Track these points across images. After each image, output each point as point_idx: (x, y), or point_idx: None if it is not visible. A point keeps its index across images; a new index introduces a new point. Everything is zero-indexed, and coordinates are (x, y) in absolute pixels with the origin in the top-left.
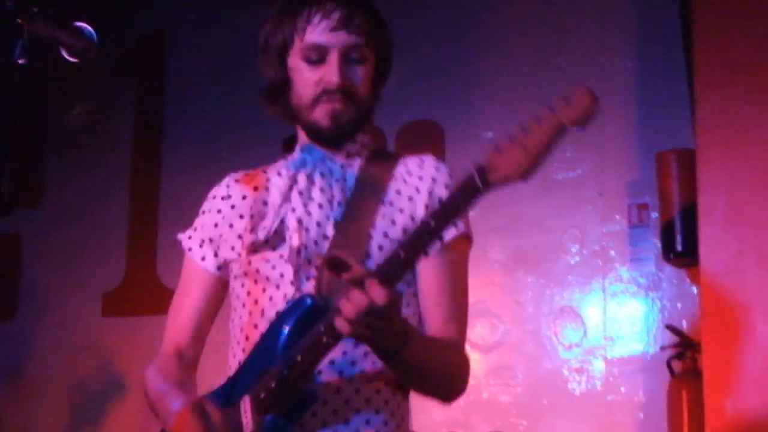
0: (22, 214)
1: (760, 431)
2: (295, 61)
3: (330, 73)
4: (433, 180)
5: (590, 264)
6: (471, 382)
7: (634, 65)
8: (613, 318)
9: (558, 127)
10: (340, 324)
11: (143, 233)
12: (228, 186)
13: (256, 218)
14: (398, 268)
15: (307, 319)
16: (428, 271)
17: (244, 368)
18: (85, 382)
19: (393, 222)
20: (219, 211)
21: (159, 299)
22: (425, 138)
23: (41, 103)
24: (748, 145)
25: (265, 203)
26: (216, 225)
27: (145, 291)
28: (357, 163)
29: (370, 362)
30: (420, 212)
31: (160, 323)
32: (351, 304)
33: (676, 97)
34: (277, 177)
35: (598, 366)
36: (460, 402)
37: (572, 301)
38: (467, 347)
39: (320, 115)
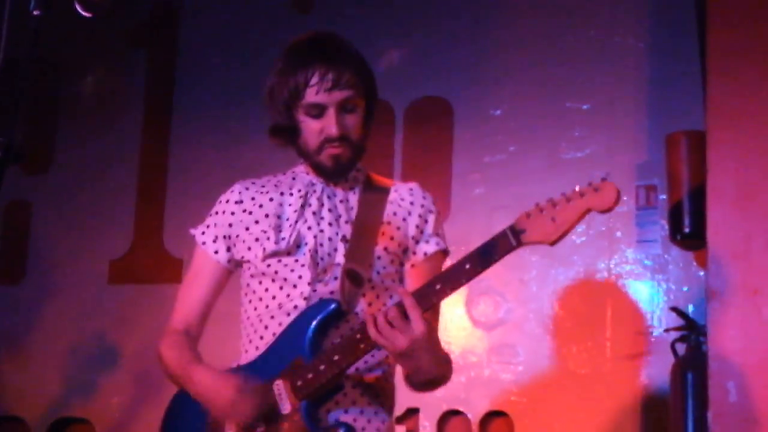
0: (33, 180)
1: (764, 415)
2: (300, 114)
3: (329, 126)
4: (422, 206)
5: (596, 244)
6: (473, 359)
7: (646, 45)
8: (618, 299)
9: (584, 210)
10: (386, 345)
11: (151, 203)
12: (240, 192)
13: (275, 229)
14: (434, 297)
15: (330, 320)
16: (413, 276)
17: (269, 354)
18: (87, 348)
19: (391, 238)
20: (233, 214)
21: (165, 268)
22: (434, 114)
23: (53, 71)
24: (759, 127)
25: (279, 217)
26: (230, 225)
27: (151, 259)
28: (357, 188)
29: (371, 358)
30: (412, 231)
31: (164, 291)
32: (403, 336)
33: (687, 78)
34: (290, 196)
35: (601, 346)
36: (462, 378)
37: (577, 281)
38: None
39: (324, 158)
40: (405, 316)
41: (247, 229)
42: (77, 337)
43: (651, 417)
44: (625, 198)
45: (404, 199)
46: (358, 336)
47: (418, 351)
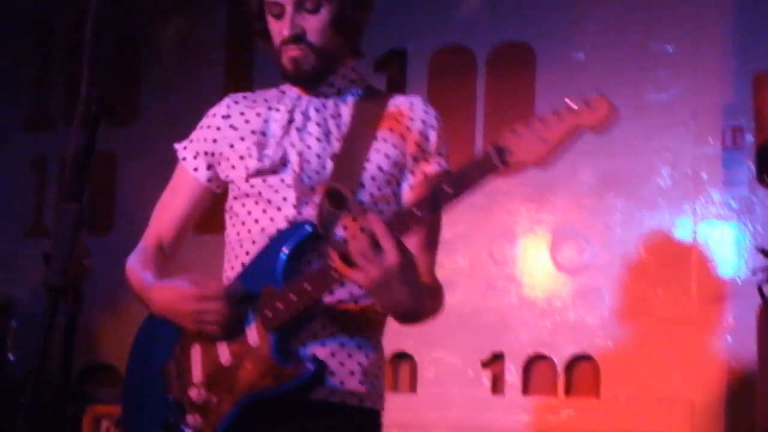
0: (118, 132)
1: None
2: (267, 15)
3: (283, 26)
4: (423, 122)
5: (681, 187)
6: (557, 303)
7: None
8: (704, 242)
9: (575, 127)
10: (356, 278)
11: None
12: (228, 106)
13: (258, 146)
14: (411, 222)
15: (305, 245)
16: (412, 200)
17: (243, 280)
18: None
19: (386, 156)
20: (218, 129)
21: None
22: (516, 60)
23: (135, 22)
24: None
25: (264, 134)
26: (215, 141)
27: None
28: (350, 100)
29: (356, 286)
30: (411, 149)
31: None
32: (375, 268)
33: None
34: (276, 112)
35: (687, 290)
36: (547, 323)
37: (662, 225)
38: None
39: (285, 61)
40: (377, 245)
41: (232, 146)
42: None
43: (737, 360)
44: (710, 139)
45: (403, 113)
46: (332, 264)
47: (393, 283)
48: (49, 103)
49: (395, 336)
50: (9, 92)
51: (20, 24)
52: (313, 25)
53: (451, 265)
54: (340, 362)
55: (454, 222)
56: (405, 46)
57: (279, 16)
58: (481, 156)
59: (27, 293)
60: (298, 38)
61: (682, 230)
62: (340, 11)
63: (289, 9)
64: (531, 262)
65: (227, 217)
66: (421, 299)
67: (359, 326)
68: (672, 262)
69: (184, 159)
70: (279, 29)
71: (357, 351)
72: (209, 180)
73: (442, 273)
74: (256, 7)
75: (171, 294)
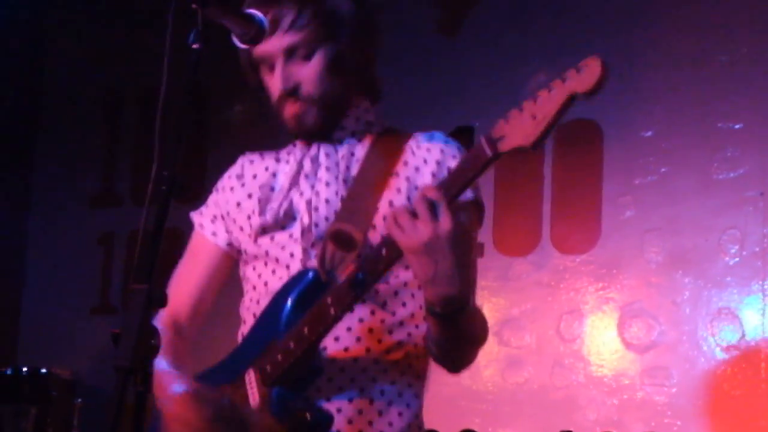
0: (185, 208)
1: None
2: (261, 70)
3: (275, 81)
4: (442, 151)
5: (750, 265)
6: (625, 381)
7: None
8: None
9: (567, 96)
10: (403, 238)
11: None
12: (242, 166)
13: (263, 201)
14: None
15: (310, 292)
16: None
17: (247, 342)
18: None
19: (398, 190)
20: (231, 189)
21: None
22: (584, 137)
23: (204, 100)
24: None
25: (272, 188)
26: (228, 202)
27: None
28: (366, 140)
29: (375, 340)
30: (426, 180)
31: None
32: (425, 228)
33: None
34: (285, 164)
35: (756, 368)
36: (615, 401)
37: (730, 303)
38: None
39: (286, 119)
40: (430, 209)
41: (239, 204)
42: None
43: None
44: None
45: (420, 147)
46: (329, 300)
47: (441, 250)
48: (116, 180)
49: (462, 414)
50: (77, 169)
51: (88, 102)
52: (308, 74)
53: (518, 343)
54: (369, 421)
55: (521, 300)
56: (473, 124)
57: (272, 68)
58: (473, 148)
59: (93, 370)
60: (292, 92)
61: (751, 308)
62: (336, 53)
63: (279, 61)
64: (599, 340)
65: (243, 285)
66: (461, 285)
67: (392, 379)
68: (741, 340)
69: (201, 226)
70: (274, 84)
71: (378, 418)
72: (229, 244)
73: (509, 351)
74: (248, 62)
75: (158, 388)
